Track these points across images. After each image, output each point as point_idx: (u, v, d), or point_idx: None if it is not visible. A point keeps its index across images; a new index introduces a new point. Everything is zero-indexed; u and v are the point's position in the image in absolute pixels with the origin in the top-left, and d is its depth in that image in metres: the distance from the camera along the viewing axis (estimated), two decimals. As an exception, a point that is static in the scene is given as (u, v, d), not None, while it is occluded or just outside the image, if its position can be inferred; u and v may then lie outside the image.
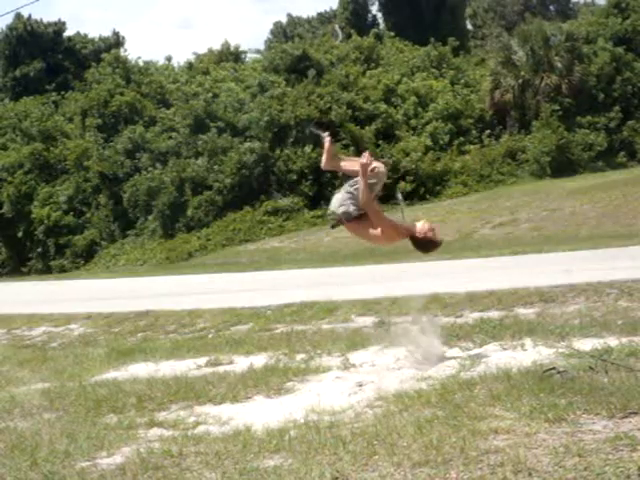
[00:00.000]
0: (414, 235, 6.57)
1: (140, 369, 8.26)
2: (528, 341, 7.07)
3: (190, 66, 48.37)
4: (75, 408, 6.50)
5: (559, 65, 36.91)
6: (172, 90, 43.48)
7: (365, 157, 6.55)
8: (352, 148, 33.68)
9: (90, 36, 59.77)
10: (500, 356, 6.63)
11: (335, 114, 34.51)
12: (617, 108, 36.60)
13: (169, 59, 51.71)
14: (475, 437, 4.25)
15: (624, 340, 6.45)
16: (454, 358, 6.73)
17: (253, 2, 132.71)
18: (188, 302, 13.97)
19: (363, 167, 6.51)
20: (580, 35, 38.71)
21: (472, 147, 36.18)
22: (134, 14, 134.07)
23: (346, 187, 6.78)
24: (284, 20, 71.34)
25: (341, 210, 6.73)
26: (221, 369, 7.71)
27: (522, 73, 37.24)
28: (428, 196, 33.22)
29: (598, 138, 35.74)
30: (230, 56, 49.39)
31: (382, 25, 56.44)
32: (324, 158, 7.12)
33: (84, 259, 38.56)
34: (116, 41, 59.51)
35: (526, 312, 9.11)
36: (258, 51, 55.15)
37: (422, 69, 41.97)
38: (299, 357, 7.84)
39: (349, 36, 47.30)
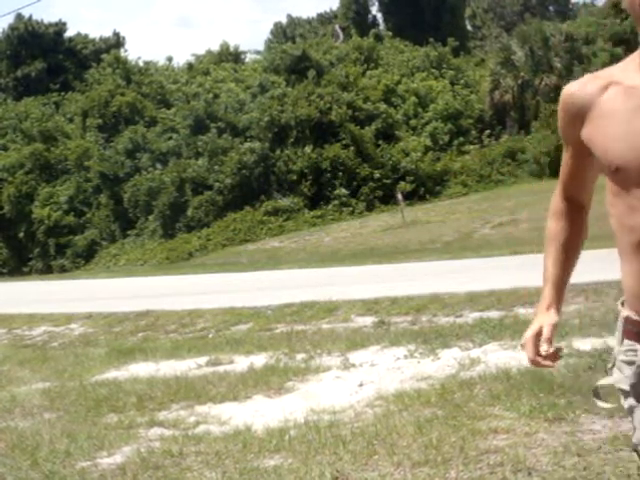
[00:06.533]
0: None
1: (140, 369, 8.26)
2: (528, 341, 7.05)
3: (190, 66, 48.41)
4: (75, 408, 6.50)
5: (558, 65, 36.90)
6: (172, 90, 43.55)
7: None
8: (352, 148, 33.75)
9: (91, 36, 59.87)
10: (500, 356, 6.63)
11: (335, 114, 34.52)
12: (617, 108, 36.62)
13: (169, 59, 51.82)
14: (475, 437, 4.26)
15: (624, 340, 6.43)
16: (454, 358, 6.73)
17: (253, 2, 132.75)
18: (188, 302, 13.96)
19: None
20: (579, 36, 38.70)
21: (472, 147, 36.18)
22: (133, 14, 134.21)
23: None
24: (284, 20, 71.36)
25: None
26: (221, 369, 7.71)
27: (521, 73, 37.22)
28: (428, 196, 33.19)
29: (598, 138, 35.76)
30: (230, 56, 49.43)
31: (382, 25, 56.44)
32: None
33: (84, 259, 38.55)
34: (116, 41, 59.55)
35: (526, 312, 9.07)
36: (258, 52, 55.19)
37: (422, 69, 41.99)
38: (299, 357, 7.85)
39: (350, 36, 47.36)
